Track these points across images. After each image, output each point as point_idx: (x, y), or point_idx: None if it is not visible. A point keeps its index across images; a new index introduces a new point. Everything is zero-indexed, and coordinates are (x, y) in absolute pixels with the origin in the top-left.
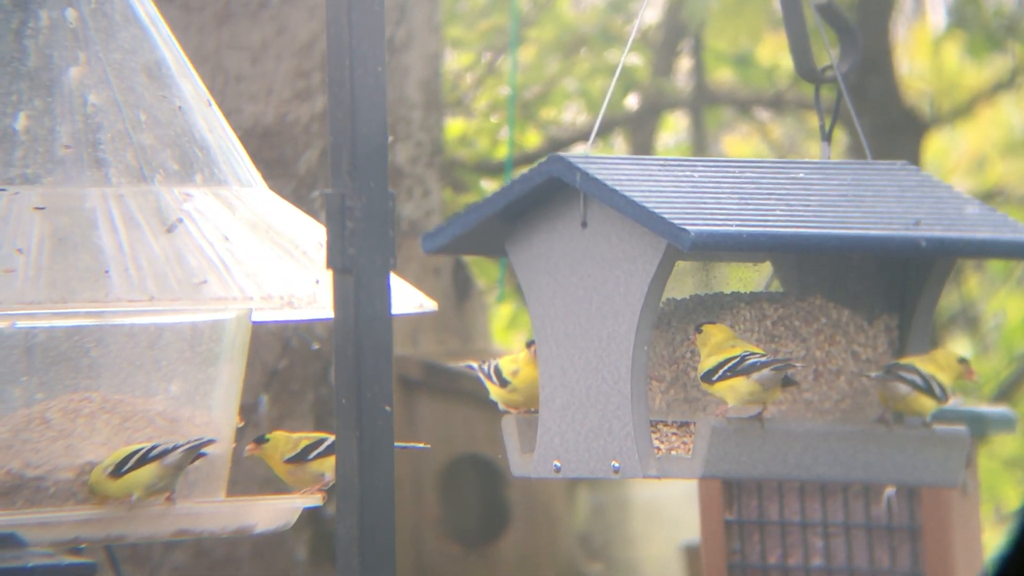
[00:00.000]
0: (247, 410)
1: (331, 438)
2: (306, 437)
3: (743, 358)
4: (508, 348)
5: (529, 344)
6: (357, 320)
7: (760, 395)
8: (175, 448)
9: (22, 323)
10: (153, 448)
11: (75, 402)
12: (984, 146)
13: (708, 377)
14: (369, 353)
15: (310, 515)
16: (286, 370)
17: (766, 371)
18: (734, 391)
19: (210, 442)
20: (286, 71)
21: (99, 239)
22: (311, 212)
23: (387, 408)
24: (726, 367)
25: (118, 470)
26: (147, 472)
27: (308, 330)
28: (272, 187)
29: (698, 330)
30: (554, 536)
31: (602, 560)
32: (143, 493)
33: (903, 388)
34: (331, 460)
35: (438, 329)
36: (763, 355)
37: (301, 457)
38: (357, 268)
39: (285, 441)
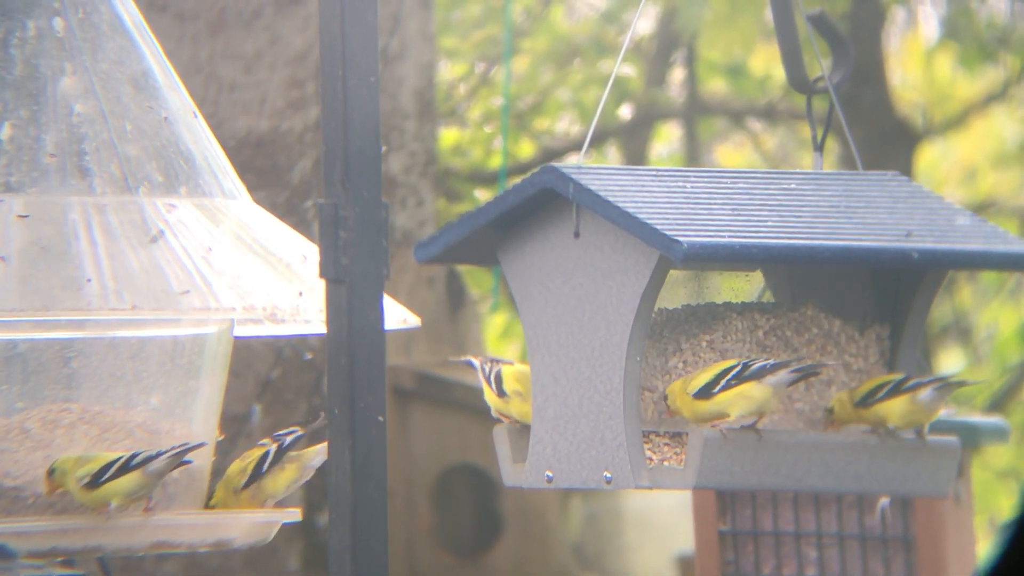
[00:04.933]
0: (240, 420)
1: (272, 447)
2: (249, 459)
3: (745, 364)
4: (504, 357)
5: None
6: (350, 330)
7: (769, 402)
8: (159, 455)
9: (4, 334)
10: (134, 456)
11: (55, 412)
12: (976, 157)
13: (707, 392)
14: (362, 363)
15: (303, 525)
16: (279, 380)
17: (782, 373)
18: (746, 398)
19: (197, 447)
20: (280, 81)
21: (82, 249)
22: (304, 222)
23: (380, 418)
24: (729, 376)
25: (96, 480)
26: (128, 481)
27: (301, 340)
28: (266, 197)
29: (665, 400)
30: (547, 546)
31: (595, 570)
32: (122, 501)
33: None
34: (283, 475)
35: (432, 339)
36: (766, 359)
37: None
38: (350, 278)
39: (237, 473)
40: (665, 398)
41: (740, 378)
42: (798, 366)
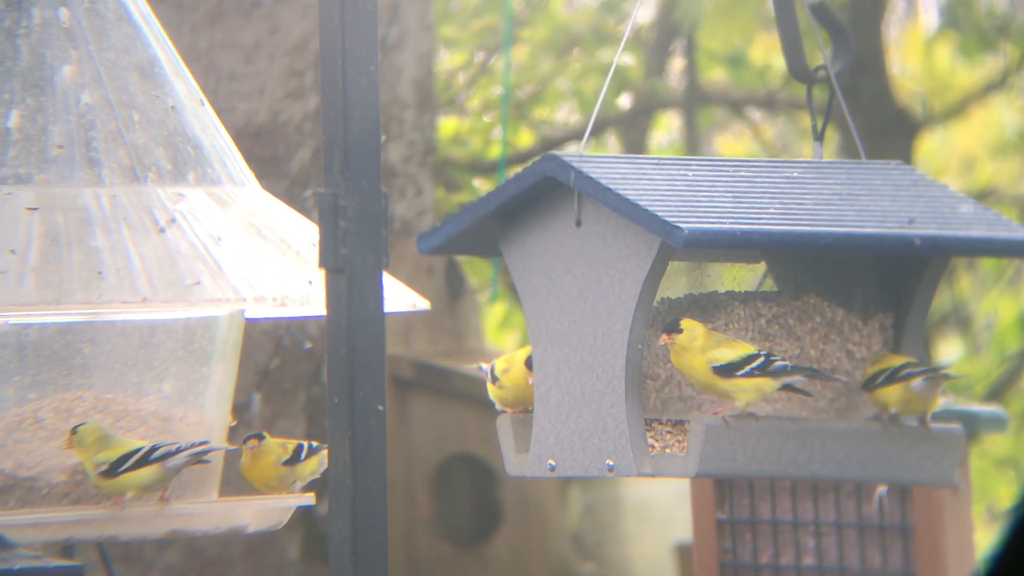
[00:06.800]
0: (239, 409)
1: (305, 443)
2: (288, 444)
3: (767, 358)
4: (501, 348)
5: (527, 362)
6: (350, 319)
7: (770, 393)
8: (179, 451)
9: (14, 320)
10: (154, 449)
11: (67, 401)
12: (975, 147)
13: (729, 371)
14: (362, 352)
15: (302, 514)
16: (278, 369)
17: (798, 376)
18: (758, 391)
19: (218, 449)
20: (279, 70)
21: (92, 240)
22: (304, 211)
23: (379, 408)
24: (753, 365)
25: (113, 470)
26: (146, 473)
27: (300, 329)
28: (265, 186)
29: (677, 329)
30: (546, 535)
31: (594, 559)
32: (138, 493)
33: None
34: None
35: (431, 328)
36: (778, 356)
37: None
38: (350, 267)
39: (277, 446)
40: (671, 336)
41: (763, 371)
42: (811, 374)
